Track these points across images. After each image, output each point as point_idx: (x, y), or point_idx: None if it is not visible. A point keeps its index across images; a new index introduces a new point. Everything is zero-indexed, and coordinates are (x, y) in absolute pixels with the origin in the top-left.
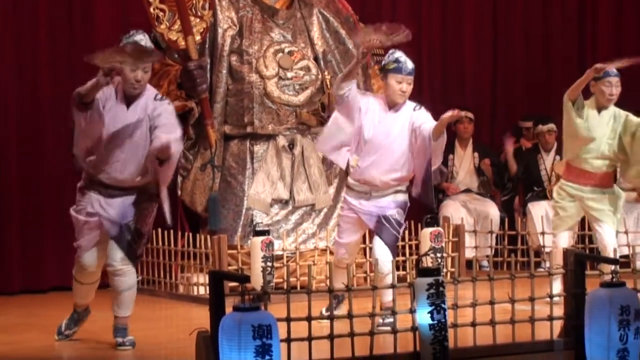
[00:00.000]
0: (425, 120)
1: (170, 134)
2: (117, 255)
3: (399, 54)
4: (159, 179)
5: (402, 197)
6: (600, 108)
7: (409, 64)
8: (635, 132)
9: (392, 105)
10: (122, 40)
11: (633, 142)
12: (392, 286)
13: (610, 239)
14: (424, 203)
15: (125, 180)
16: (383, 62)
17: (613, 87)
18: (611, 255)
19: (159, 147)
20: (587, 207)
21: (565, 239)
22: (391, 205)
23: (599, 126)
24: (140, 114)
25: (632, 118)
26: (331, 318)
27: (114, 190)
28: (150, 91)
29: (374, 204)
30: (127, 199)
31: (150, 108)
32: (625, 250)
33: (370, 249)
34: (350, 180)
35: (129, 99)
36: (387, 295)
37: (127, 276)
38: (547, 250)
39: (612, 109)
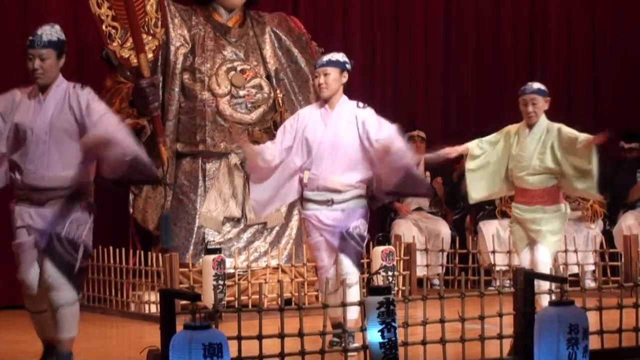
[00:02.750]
0: (386, 131)
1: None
2: (49, 268)
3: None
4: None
5: (363, 205)
6: (529, 125)
7: (325, 58)
8: (571, 145)
9: (326, 102)
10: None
11: (571, 155)
12: (343, 305)
13: (542, 257)
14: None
15: (53, 176)
16: None
17: (529, 104)
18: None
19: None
20: (526, 229)
21: (526, 257)
22: (354, 216)
23: (530, 143)
24: (59, 103)
25: (567, 130)
26: (282, 337)
27: (43, 194)
28: (66, 83)
29: (336, 216)
30: (57, 208)
31: (73, 99)
32: (575, 269)
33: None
34: (307, 193)
35: (43, 91)
36: (352, 313)
37: (62, 291)
38: (497, 268)
39: (544, 124)
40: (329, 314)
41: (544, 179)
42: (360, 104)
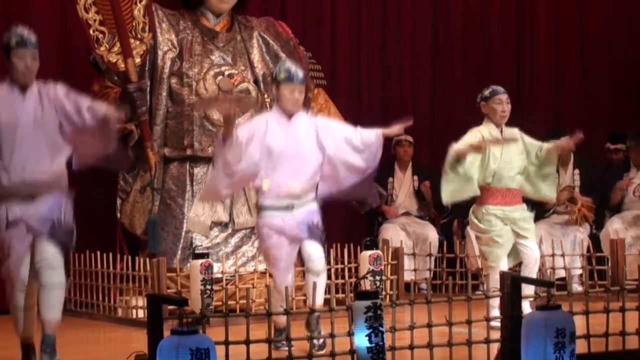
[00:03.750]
0: (344, 127)
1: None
2: (49, 249)
3: (289, 65)
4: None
5: (316, 205)
6: (499, 125)
7: (300, 73)
8: (539, 151)
9: (289, 115)
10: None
11: (540, 159)
12: (330, 309)
13: (537, 252)
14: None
15: (43, 170)
16: (274, 74)
17: (504, 104)
18: (536, 267)
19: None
20: (516, 227)
21: (506, 263)
22: (313, 213)
23: (509, 144)
24: (37, 99)
25: (527, 137)
26: (269, 342)
27: (34, 188)
28: (36, 81)
29: (297, 216)
30: (50, 197)
31: (51, 93)
32: (562, 273)
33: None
34: (266, 202)
35: (22, 89)
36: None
37: (58, 271)
38: (485, 273)
39: (505, 127)
40: (274, 319)
41: (522, 178)
42: (310, 113)
